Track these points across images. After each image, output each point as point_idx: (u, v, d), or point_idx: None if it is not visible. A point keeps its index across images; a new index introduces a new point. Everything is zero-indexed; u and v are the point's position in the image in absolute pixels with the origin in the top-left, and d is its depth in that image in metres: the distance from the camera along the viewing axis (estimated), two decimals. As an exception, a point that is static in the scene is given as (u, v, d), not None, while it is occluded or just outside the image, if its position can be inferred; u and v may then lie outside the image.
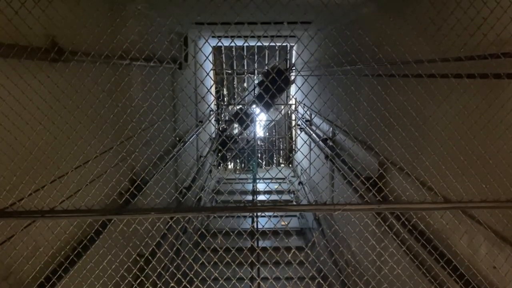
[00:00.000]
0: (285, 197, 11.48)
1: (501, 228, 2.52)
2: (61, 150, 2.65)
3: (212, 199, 10.61)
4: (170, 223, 5.84)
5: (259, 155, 15.56)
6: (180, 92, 7.06)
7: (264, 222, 8.33)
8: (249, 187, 11.43)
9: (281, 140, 15.87)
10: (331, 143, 7.26)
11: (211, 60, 13.31)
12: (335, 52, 3.25)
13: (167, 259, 3.97)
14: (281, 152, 15.84)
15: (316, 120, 9.27)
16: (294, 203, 10.99)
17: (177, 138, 7.26)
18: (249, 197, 10.58)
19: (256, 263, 2.97)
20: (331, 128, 7.47)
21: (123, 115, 3.37)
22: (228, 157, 13.92)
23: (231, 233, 3.09)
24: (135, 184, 3.91)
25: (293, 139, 15.07)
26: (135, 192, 3.90)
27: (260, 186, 11.20)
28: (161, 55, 5.10)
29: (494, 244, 2.60)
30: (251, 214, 8.77)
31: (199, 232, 3.17)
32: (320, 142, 8.36)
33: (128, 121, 3.52)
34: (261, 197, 10.45)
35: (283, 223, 8.63)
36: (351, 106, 5.13)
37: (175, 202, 5.95)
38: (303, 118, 10.70)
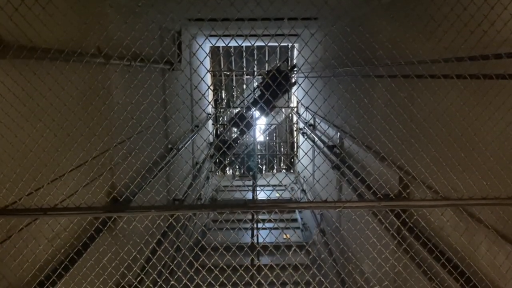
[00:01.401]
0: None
1: (501, 225, 2.52)
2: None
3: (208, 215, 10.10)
4: (170, 221, 5.71)
5: (259, 160, 15.12)
6: (173, 95, 6.55)
7: (264, 236, 7.66)
8: (249, 195, 10.76)
9: (282, 144, 15.38)
10: (338, 151, 6.60)
11: (209, 61, 13.06)
12: (343, 50, 3.17)
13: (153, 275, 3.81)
14: (282, 157, 15.34)
15: (321, 124, 8.80)
16: (297, 211, 10.50)
17: (169, 146, 6.63)
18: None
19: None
20: (338, 134, 6.90)
21: (102, 122, 3.22)
22: (226, 161, 13.54)
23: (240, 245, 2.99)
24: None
25: (295, 144, 14.62)
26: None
27: (261, 195, 10.65)
28: (152, 54, 4.71)
29: (494, 241, 2.60)
30: (250, 227, 8.42)
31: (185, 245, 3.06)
32: (318, 142, 8.06)
33: (109, 129, 3.33)
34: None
35: (285, 236, 7.94)
36: (363, 111, 4.61)
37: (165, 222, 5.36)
38: (306, 122, 10.26)
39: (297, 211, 10.63)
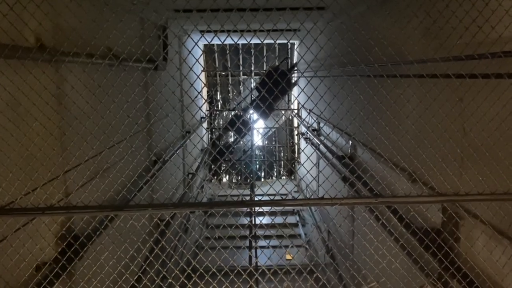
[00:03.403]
0: (290, 219, 10.40)
1: (498, 221, 2.53)
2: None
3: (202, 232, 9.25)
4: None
5: (257, 166, 14.48)
6: (159, 98, 5.70)
7: (263, 257, 6.85)
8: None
9: (281, 149, 14.80)
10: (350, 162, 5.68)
11: (202, 59, 12.65)
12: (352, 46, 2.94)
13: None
14: (282, 162, 14.69)
15: (326, 130, 8.17)
16: (300, 225, 10.04)
17: (154, 158, 5.83)
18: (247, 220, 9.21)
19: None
20: (350, 143, 6.19)
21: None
22: (223, 168, 13.01)
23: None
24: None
25: (296, 148, 13.95)
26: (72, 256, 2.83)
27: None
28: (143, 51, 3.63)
29: (491, 237, 2.61)
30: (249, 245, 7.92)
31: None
32: (325, 151, 7.45)
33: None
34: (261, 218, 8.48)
35: (288, 257, 7.21)
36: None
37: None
38: (310, 126, 9.71)
39: (300, 225, 10.07)
